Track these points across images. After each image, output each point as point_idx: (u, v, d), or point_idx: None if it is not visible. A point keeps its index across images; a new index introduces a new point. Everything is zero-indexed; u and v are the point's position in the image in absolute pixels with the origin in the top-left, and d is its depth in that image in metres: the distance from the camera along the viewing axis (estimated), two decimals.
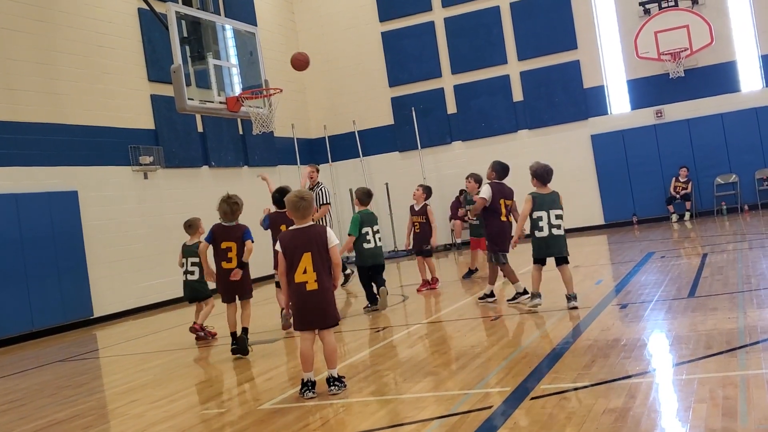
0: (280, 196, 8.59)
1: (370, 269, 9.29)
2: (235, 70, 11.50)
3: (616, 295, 8.43)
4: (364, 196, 9.47)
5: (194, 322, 8.89)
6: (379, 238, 9.32)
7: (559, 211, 7.93)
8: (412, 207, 10.88)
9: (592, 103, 18.58)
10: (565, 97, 18.70)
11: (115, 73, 14.20)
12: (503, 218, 8.61)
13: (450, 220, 19.03)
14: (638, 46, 17.64)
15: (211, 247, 7.60)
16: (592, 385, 4.71)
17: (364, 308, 9.36)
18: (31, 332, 11.85)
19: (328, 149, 20.52)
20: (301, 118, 20.43)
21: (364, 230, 9.23)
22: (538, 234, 7.92)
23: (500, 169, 8.87)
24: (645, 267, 10.33)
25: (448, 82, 19.76)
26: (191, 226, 9.05)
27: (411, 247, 10.66)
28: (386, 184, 19.47)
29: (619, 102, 18.66)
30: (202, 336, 8.83)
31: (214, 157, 16.54)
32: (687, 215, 17.59)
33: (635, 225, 18.02)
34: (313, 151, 20.74)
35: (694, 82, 17.77)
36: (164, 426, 5.22)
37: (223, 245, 7.45)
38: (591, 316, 7.13)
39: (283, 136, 18.83)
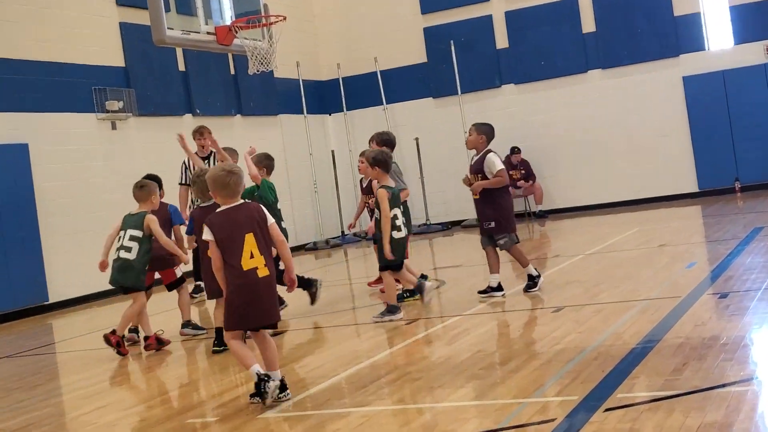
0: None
1: None
2: None
3: (713, 282, 8.38)
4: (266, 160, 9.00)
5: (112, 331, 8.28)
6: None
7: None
8: (361, 182, 10.40)
9: (685, 35, 18.31)
10: (650, 27, 18.44)
11: None
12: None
13: None
14: None
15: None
16: (683, 395, 4.70)
17: None
18: None
19: (343, 94, 20.47)
20: (309, 54, 20.37)
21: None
22: (396, 234, 8.33)
23: (491, 132, 9.00)
24: (750, 246, 10.24)
25: (497, 7, 19.56)
26: (143, 188, 8.53)
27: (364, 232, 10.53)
28: (416, 139, 19.41)
29: (719, 34, 18.36)
30: (127, 345, 8.40)
31: (199, 103, 16.58)
32: None
33: (738, 193, 17.85)
34: (324, 97, 20.70)
35: None
36: None
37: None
38: (681, 308, 7.10)
39: (286, 78, 18.81)
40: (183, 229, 9.10)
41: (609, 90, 18.74)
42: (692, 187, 18.29)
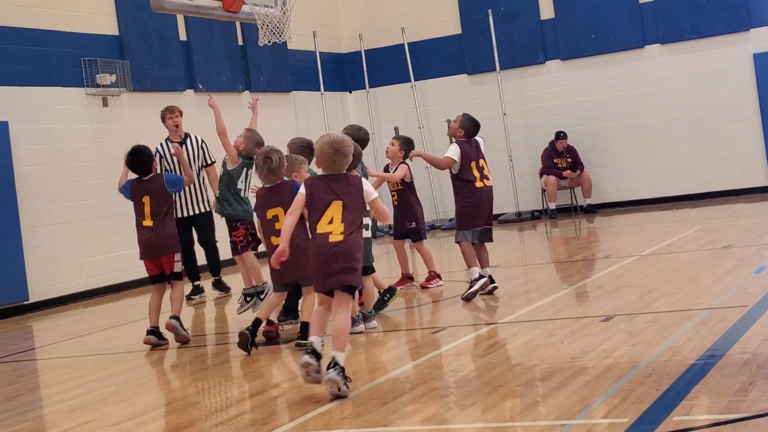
0: (133, 159, 9.06)
1: None
2: None
3: None
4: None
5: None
6: None
7: None
8: (386, 168, 10.73)
9: (757, 6, 18.14)
10: None
11: None
12: (478, 184, 9.62)
13: (540, 176, 18.90)
14: None
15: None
16: (749, 418, 4.68)
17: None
18: None
19: (365, 69, 20.45)
20: (328, 23, 20.35)
21: None
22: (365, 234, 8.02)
23: (470, 126, 9.81)
24: None
25: None
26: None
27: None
28: (448, 121, 19.30)
29: None
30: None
31: (203, 78, 16.62)
32: None
33: None
34: (344, 72, 20.67)
35: None
36: None
37: (269, 213, 7.88)
38: (748, 319, 7.06)
39: (301, 50, 18.82)
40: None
41: (669, 68, 18.58)
42: (763, 180, 18.12)
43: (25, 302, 13.07)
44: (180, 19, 16.02)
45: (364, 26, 20.54)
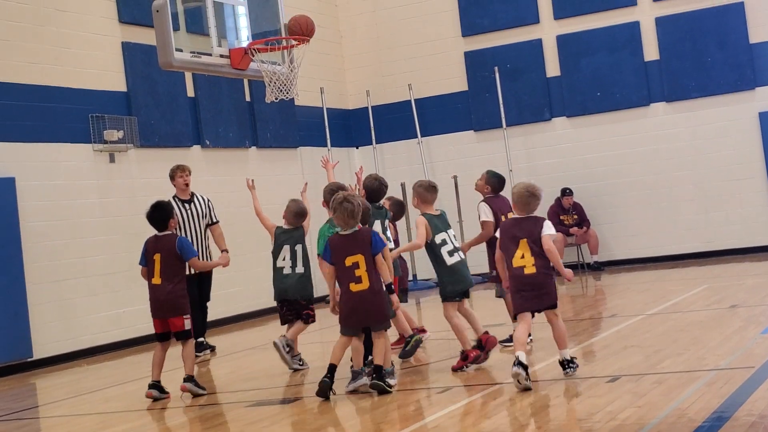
0: (151, 212, 9.24)
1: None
2: (242, 10, 11.60)
3: None
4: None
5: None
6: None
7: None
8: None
9: (763, 65, 18.28)
10: (722, 56, 18.43)
11: (72, 10, 14.47)
12: None
13: None
14: None
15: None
16: None
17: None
18: None
19: (372, 125, 20.59)
20: (335, 80, 20.54)
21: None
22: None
23: (496, 182, 10.12)
24: None
25: (548, 30, 19.66)
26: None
27: None
28: (455, 177, 19.44)
29: None
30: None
31: (210, 134, 16.73)
32: None
33: None
34: (351, 128, 20.81)
35: None
36: None
37: (348, 260, 8.03)
38: (755, 381, 7.04)
39: (308, 106, 18.97)
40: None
41: (674, 126, 18.69)
42: None
43: (29, 359, 13.03)
44: (188, 76, 16.17)
45: (371, 82, 20.72)
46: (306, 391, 8.82)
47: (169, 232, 9.18)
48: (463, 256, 9.05)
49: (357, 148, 20.94)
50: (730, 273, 15.71)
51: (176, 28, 10.36)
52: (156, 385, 8.99)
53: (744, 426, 5.77)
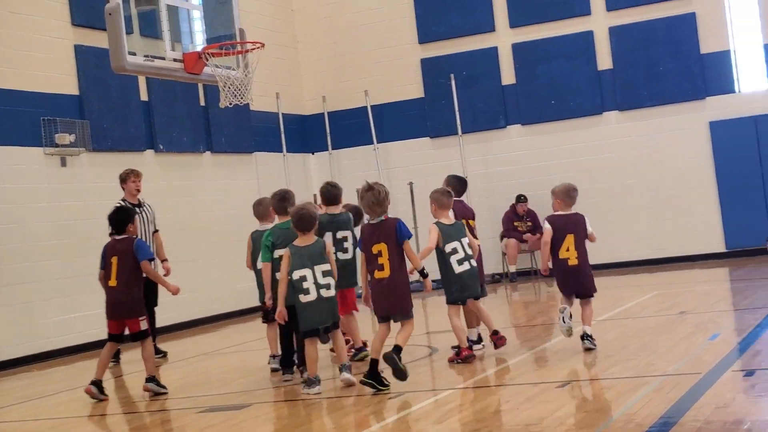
0: (111, 214, 9.50)
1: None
2: (197, 14, 11.58)
3: (739, 356, 8.40)
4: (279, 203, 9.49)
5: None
6: None
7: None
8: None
9: (713, 75, 18.53)
10: (674, 65, 18.66)
11: (25, 12, 14.34)
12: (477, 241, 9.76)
13: (501, 239, 19.03)
14: None
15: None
16: None
17: (282, 373, 9.40)
18: None
19: (328, 131, 20.58)
20: (291, 86, 20.51)
21: (277, 253, 9.10)
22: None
23: (456, 182, 10.16)
24: None
25: (504, 39, 19.78)
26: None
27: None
28: (410, 183, 19.51)
29: (751, 75, 18.58)
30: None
31: (163, 139, 16.65)
32: None
33: None
34: (306, 133, 20.79)
35: None
36: None
37: (375, 248, 8.21)
38: (701, 387, 7.11)
39: (263, 111, 18.93)
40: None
41: (626, 134, 18.89)
42: (719, 246, 18.37)
43: None
44: (141, 80, 16.08)
45: (327, 88, 20.71)
46: (257, 396, 8.80)
47: (127, 236, 9.18)
48: (473, 265, 9.21)
49: (313, 153, 20.92)
50: (681, 280, 15.91)
51: (129, 32, 10.32)
52: (97, 384, 9.07)
53: (690, 431, 5.84)
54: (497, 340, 9.54)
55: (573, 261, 9.25)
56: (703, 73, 18.51)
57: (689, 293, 13.69)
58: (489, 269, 19.16)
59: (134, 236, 9.32)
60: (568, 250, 9.23)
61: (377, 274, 8.23)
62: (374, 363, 8.16)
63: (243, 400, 8.65)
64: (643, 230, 18.61)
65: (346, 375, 8.47)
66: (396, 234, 8.18)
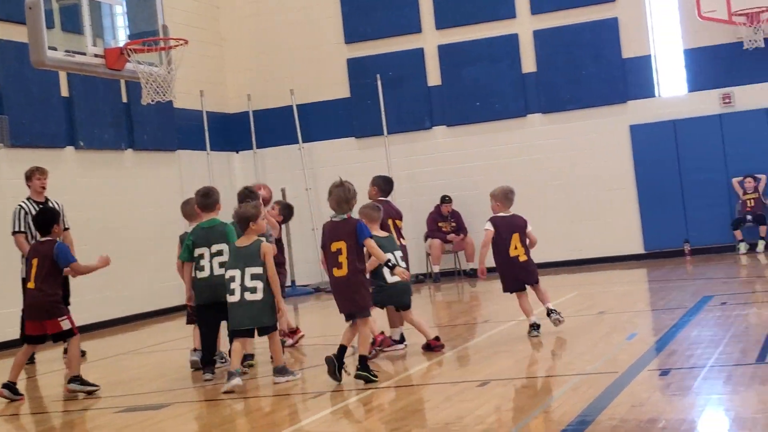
0: (36, 215, 9.44)
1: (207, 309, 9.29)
2: (119, 9, 11.44)
3: (656, 355, 8.55)
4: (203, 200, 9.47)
5: None
6: (222, 264, 9.08)
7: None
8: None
9: (634, 80, 18.84)
10: (596, 69, 18.94)
11: None
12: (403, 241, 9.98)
13: (425, 240, 19.11)
14: (701, 1, 17.93)
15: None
16: None
17: (203, 373, 9.30)
18: None
19: (253, 130, 20.46)
20: (215, 83, 20.36)
21: (197, 252, 9.15)
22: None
23: (382, 182, 10.24)
24: (698, 317, 10.47)
25: (430, 40, 19.88)
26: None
27: None
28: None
29: (671, 80, 18.94)
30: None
31: (84, 135, 16.40)
32: (761, 245, 17.92)
33: (688, 256, 18.30)
34: (231, 132, 20.63)
35: None
36: None
37: (334, 246, 8.23)
38: (618, 385, 7.22)
39: (187, 108, 18.76)
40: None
41: (550, 137, 19.12)
42: (638, 248, 18.71)
43: None
44: (62, 75, 15.81)
45: (252, 87, 20.58)
46: (177, 396, 8.72)
47: (50, 238, 9.04)
48: (404, 278, 9.14)
49: (237, 152, 20.77)
50: (600, 280, 16.16)
51: (50, 26, 10.18)
52: (10, 386, 8.89)
53: (606, 429, 5.92)
54: (435, 347, 9.59)
55: (523, 257, 10.12)
56: (625, 78, 18.82)
57: (608, 294, 13.91)
58: (413, 269, 19.23)
59: (56, 240, 9.15)
60: (516, 248, 10.10)
61: (335, 272, 8.29)
62: (361, 358, 8.24)
63: (162, 399, 8.56)
64: (564, 231, 18.84)
65: (278, 377, 8.58)
66: (356, 234, 8.22)
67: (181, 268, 9.44)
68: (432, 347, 9.57)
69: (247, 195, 9.92)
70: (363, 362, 8.19)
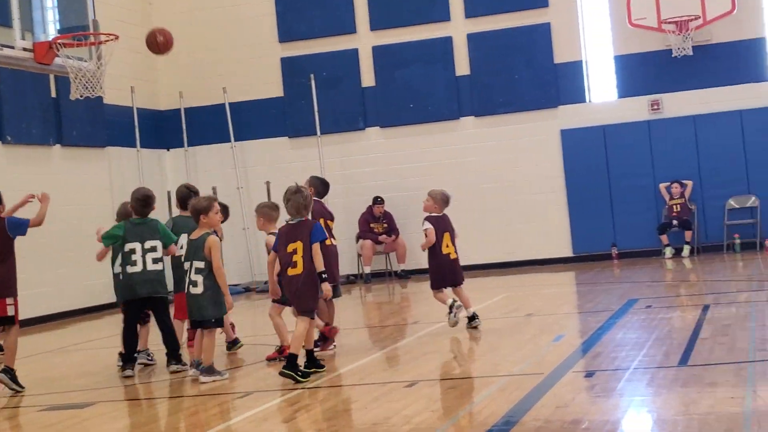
0: None
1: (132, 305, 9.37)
2: (50, 3, 11.28)
3: (582, 357, 8.67)
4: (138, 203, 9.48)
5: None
6: (156, 259, 9.21)
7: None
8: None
9: (565, 85, 19.06)
10: (528, 74, 19.13)
11: None
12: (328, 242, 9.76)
13: (357, 240, 19.13)
14: (632, 8, 18.23)
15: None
16: None
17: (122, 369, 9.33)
18: None
19: (184, 127, 20.27)
20: (146, 80, 20.13)
21: (128, 247, 9.22)
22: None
23: (319, 184, 10.50)
24: (623, 320, 10.64)
25: (364, 41, 19.89)
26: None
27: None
28: (267, 182, 19.38)
29: (601, 86, 19.20)
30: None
31: (11, 130, 16.12)
32: (686, 249, 18.25)
33: (615, 260, 18.56)
34: (162, 129, 20.42)
35: (705, 63, 18.43)
36: None
37: (290, 247, 8.37)
38: (543, 387, 7.31)
39: (116, 105, 18.51)
40: None
41: (482, 140, 19.25)
42: (566, 251, 18.93)
43: None
44: None
45: (184, 84, 20.39)
46: (102, 395, 8.62)
47: None
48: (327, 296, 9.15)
49: (168, 150, 20.56)
50: (529, 283, 16.33)
51: None
52: (8, 371, 8.76)
53: (530, 430, 6.00)
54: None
55: (453, 255, 10.72)
56: (556, 82, 19.03)
57: (536, 296, 14.06)
58: (344, 270, 19.26)
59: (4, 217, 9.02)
60: (447, 246, 10.71)
61: (290, 271, 8.38)
62: (291, 356, 8.24)
63: (87, 398, 8.46)
64: (494, 234, 18.98)
65: (194, 371, 8.68)
66: (311, 234, 8.35)
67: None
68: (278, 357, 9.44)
69: (186, 194, 9.78)
70: (292, 361, 8.19)
